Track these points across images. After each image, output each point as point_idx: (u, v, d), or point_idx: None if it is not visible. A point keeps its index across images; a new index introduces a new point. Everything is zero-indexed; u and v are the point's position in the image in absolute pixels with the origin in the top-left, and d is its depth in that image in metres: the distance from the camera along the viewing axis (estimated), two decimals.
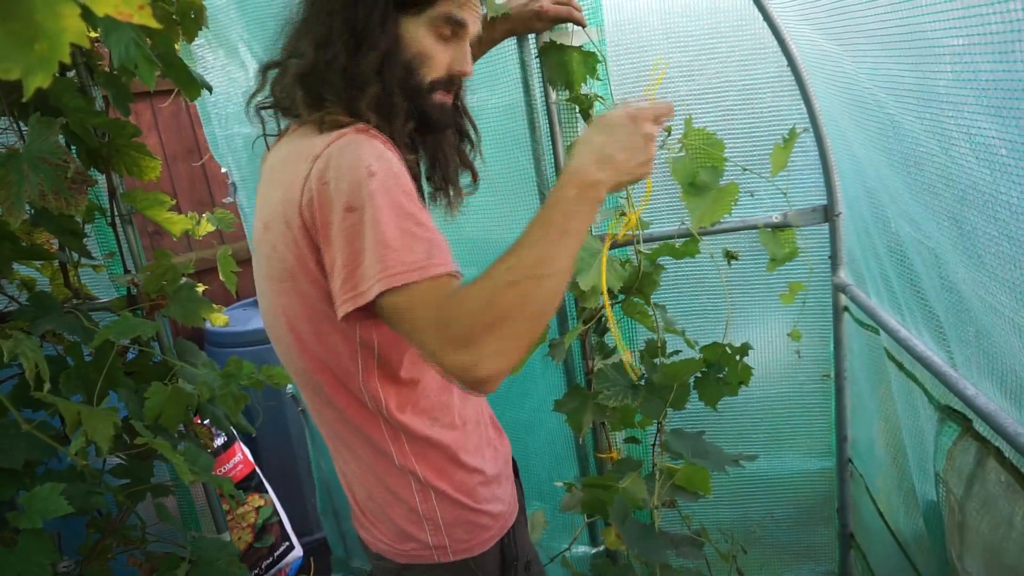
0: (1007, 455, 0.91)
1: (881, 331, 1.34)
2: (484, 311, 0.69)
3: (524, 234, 0.75)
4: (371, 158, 0.74)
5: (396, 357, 0.87)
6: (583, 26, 1.31)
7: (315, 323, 0.84)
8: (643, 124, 0.84)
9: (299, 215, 0.77)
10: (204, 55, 1.76)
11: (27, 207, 1.03)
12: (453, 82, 0.91)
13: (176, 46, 1.35)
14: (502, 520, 1.00)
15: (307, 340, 0.87)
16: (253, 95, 0.96)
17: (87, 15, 0.36)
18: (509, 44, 1.46)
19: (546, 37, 1.39)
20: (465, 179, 1.10)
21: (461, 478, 0.94)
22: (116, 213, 1.44)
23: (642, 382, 1.44)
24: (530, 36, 1.43)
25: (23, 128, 1.20)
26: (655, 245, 1.48)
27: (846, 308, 1.58)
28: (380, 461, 0.93)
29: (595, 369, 1.53)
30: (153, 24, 0.37)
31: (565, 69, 1.35)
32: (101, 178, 1.42)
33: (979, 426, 0.98)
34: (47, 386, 1.01)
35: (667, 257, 1.45)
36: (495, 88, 1.48)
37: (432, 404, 0.93)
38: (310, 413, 1.03)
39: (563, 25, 1.42)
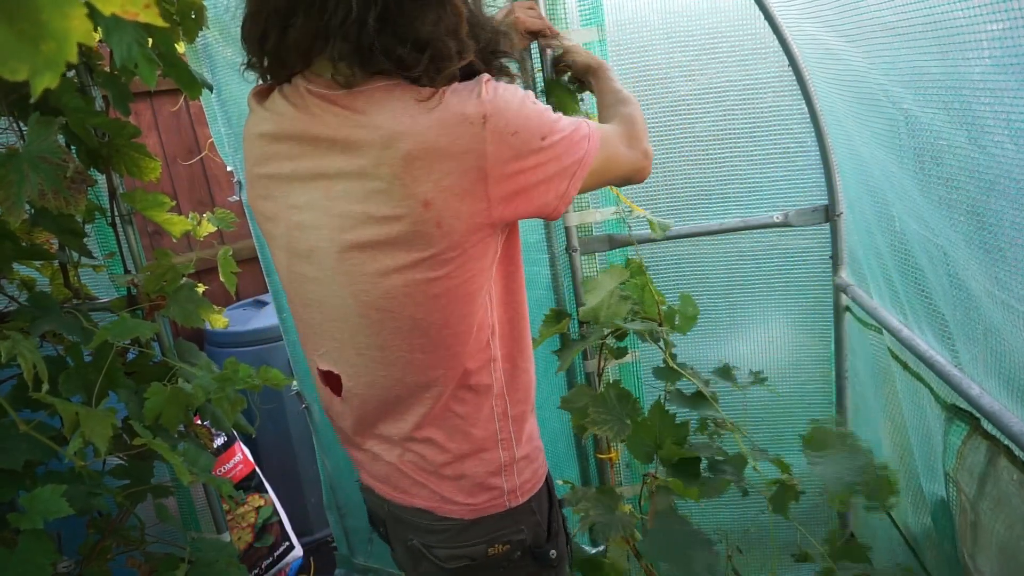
0: (1017, 453, 0.91)
1: (884, 331, 1.34)
2: (635, 125, 1.02)
3: (610, 107, 1.10)
4: (520, 91, 0.86)
5: (513, 295, 0.98)
6: (548, 46, 1.35)
7: (470, 286, 0.89)
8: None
9: (485, 180, 0.82)
10: (212, 53, 1.75)
11: (27, 207, 1.02)
12: None
13: (180, 46, 1.35)
14: (544, 455, 1.08)
15: (456, 307, 0.89)
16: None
17: (91, 14, 0.35)
18: None
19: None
20: None
21: (533, 414, 1.04)
22: (116, 213, 1.44)
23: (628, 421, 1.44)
24: None
25: (23, 128, 1.20)
26: (664, 244, 1.48)
27: (847, 308, 1.58)
28: (478, 416, 0.96)
29: (602, 383, 1.55)
30: (160, 22, 0.37)
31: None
32: (101, 178, 1.42)
33: (987, 425, 0.98)
34: (45, 387, 1.01)
35: (669, 257, 1.45)
36: None
37: (525, 339, 1.01)
38: (402, 401, 0.97)
39: (563, 25, 1.43)
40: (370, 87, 0.83)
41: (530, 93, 0.86)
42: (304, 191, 0.89)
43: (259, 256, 1.95)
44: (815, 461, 1.26)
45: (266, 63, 0.91)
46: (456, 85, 0.83)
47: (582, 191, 0.95)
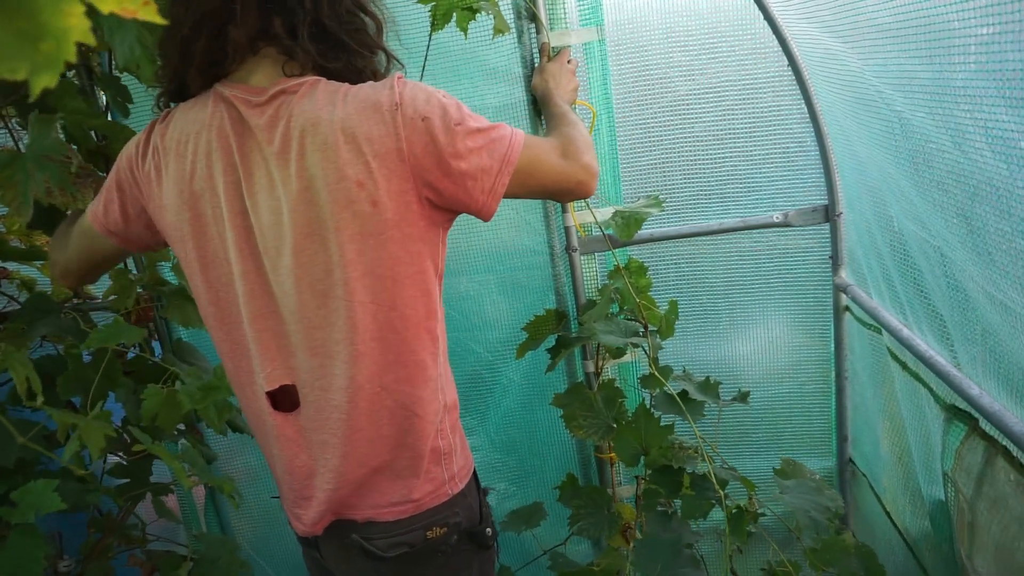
0: (1015, 454, 0.91)
1: (883, 331, 1.34)
2: (573, 141, 1.01)
3: (552, 129, 1.12)
4: (431, 88, 0.91)
5: (440, 284, 0.99)
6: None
7: (412, 264, 0.92)
8: (564, 64, 1.37)
9: (404, 161, 0.87)
10: None
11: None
12: None
13: None
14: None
15: (401, 286, 0.91)
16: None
17: (91, 13, 0.35)
18: (510, 41, 1.46)
19: (546, 36, 1.39)
20: None
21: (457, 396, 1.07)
22: None
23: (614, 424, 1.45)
24: (531, 34, 1.43)
25: (14, 128, 1.20)
26: (663, 243, 1.48)
27: (847, 308, 1.58)
28: (425, 403, 0.96)
29: (599, 382, 1.55)
30: (158, 20, 0.36)
31: None
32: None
33: (986, 425, 0.98)
34: (40, 399, 1.02)
35: (669, 257, 1.45)
36: (497, 85, 1.48)
37: (444, 334, 1.02)
38: (357, 399, 0.95)
39: (563, 25, 1.43)
40: (295, 83, 0.90)
41: (443, 91, 0.92)
42: (247, 194, 0.91)
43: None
44: (785, 489, 1.36)
45: (187, 73, 0.93)
46: (369, 81, 0.92)
47: (515, 196, 0.97)
